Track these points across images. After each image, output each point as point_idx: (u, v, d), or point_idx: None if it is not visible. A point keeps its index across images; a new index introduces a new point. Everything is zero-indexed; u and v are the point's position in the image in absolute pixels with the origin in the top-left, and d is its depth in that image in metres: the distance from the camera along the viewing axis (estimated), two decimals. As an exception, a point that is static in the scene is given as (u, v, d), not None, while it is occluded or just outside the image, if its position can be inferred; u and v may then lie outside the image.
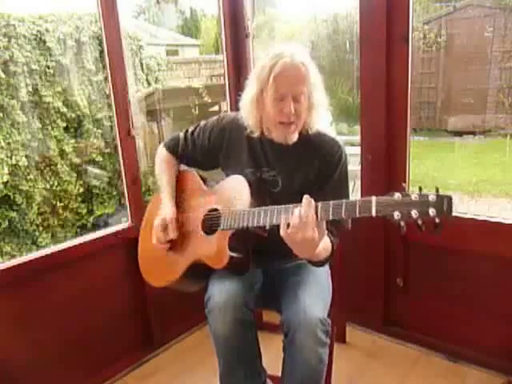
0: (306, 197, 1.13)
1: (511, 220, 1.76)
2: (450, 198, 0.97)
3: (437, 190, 0.99)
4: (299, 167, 1.40)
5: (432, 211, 0.97)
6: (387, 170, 1.93)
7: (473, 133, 5.27)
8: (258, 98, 1.35)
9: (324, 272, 1.48)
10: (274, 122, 1.34)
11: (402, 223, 1.01)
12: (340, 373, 1.79)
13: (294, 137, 1.38)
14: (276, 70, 1.28)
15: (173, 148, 1.59)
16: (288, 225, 1.13)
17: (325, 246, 1.28)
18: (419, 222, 0.99)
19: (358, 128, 2.02)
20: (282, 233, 1.14)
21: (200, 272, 1.40)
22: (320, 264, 1.32)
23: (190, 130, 1.59)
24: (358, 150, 2.01)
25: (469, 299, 1.87)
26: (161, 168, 1.59)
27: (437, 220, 0.98)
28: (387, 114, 1.88)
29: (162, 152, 1.61)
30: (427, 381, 1.86)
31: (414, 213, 0.98)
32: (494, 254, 1.76)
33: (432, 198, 0.98)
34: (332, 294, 1.47)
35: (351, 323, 2.19)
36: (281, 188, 1.40)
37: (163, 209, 1.48)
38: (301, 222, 1.11)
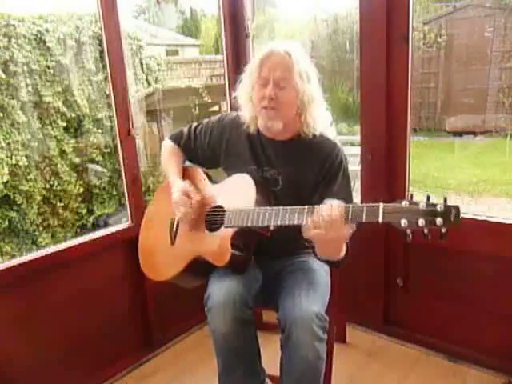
0: (328, 203, 1.13)
1: (511, 220, 1.76)
2: (457, 208, 0.97)
3: (445, 200, 0.99)
4: (299, 167, 1.40)
5: (439, 221, 0.97)
6: (387, 170, 1.93)
7: (473, 133, 5.27)
8: (248, 87, 1.38)
9: (323, 271, 1.48)
10: (258, 108, 1.35)
11: (409, 231, 1.01)
12: (340, 373, 1.79)
13: (278, 125, 1.35)
14: (261, 55, 1.33)
15: (177, 140, 1.62)
16: (315, 226, 1.12)
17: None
18: (425, 230, 0.99)
19: (357, 128, 2.02)
20: (309, 234, 1.14)
21: (201, 268, 1.40)
22: (337, 264, 1.32)
23: (193, 126, 1.61)
24: (358, 149, 2.01)
25: (469, 299, 1.87)
26: (166, 158, 1.60)
27: (443, 230, 0.98)
28: (387, 114, 1.88)
29: (167, 143, 1.64)
30: (427, 381, 1.86)
31: (421, 221, 0.98)
32: (493, 253, 1.76)
33: (440, 207, 0.98)
34: (332, 293, 1.47)
35: (351, 323, 2.18)
36: (281, 187, 1.41)
37: (176, 186, 1.46)
38: (329, 221, 1.10)
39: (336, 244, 1.19)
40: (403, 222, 1.00)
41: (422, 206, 0.99)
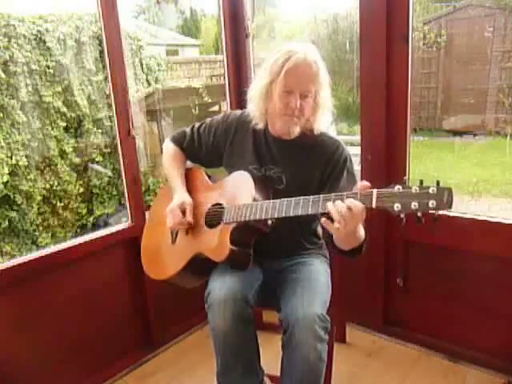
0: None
1: (511, 220, 1.76)
2: (450, 190, 0.98)
3: (437, 183, 1.00)
4: (303, 165, 1.41)
5: (432, 203, 0.98)
6: (387, 170, 1.93)
7: (473, 133, 5.26)
8: (267, 89, 1.36)
9: (323, 271, 1.48)
10: (279, 114, 1.36)
11: (402, 215, 1.01)
12: (340, 373, 1.79)
13: (296, 129, 1.40)
14: (289, 64, 1.30)
15: (179, 142, 1.61)
16: (332, 221, 1.11)
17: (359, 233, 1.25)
18: (419, 214, 1.00)
19: (358, 128, 2.02)
20: (334, 229, 1.12)
21: (201, 266, 1.41)
22: (359, 251, 1.29)
23: (196, 125, 1.61)
24: (358, 149, 2.01)
25: (469, 299, 1.87)
26: (169, 161, 1.60)
27: (436, 213, 0.98)
28: (387, 114, 1.88)
29: (168, 145, 1.63)
30: (427, 381, 1.86)
31: (414, 205, 0.99)
32: (493, 253, 1.76)
33: (432, 190, 0.99)
34: (332, 293, 1.47)
35: (351, 323, 2.19)
36: (285, 185, 1.42)
37: (178, 195, 1.48)
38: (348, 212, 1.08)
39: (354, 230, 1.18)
40: (396, 206, 1.01)
41: (415, 189, 1.00)
